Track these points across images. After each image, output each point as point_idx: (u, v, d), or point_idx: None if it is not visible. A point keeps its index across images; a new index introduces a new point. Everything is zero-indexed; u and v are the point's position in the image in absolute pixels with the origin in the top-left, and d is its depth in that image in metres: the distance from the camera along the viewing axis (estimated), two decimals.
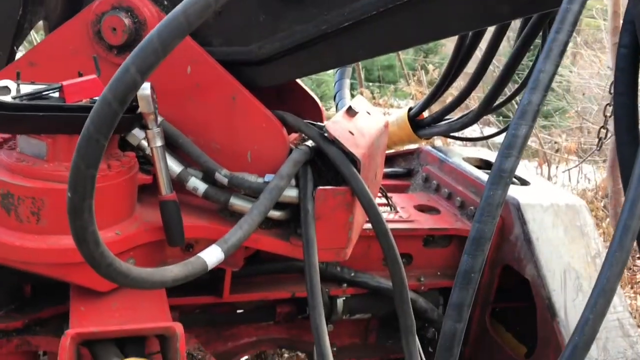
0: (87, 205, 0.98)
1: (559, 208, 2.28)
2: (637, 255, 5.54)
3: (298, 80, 2.15)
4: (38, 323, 1.71)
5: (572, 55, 13.24)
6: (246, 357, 2.46)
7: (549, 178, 7.49)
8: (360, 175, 1.63)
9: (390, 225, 2.31)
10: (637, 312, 4.39)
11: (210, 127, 1.71)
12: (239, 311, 2.27)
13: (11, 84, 1.43)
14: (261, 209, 1.51)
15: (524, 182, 2.56)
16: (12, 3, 1.77)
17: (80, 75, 1.50)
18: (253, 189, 1.62)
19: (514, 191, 2.34)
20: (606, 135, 3.23)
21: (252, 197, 1.64)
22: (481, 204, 1.10)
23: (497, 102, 2.65)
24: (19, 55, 1.86)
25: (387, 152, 3.12)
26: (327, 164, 1.69)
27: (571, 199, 2.36)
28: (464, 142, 4.61)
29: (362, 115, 1.88)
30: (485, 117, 2.93)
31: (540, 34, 2.27)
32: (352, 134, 1.71)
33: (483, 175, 2.47)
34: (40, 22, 1.97)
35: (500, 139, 2.58)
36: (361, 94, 7.39)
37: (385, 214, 2.44)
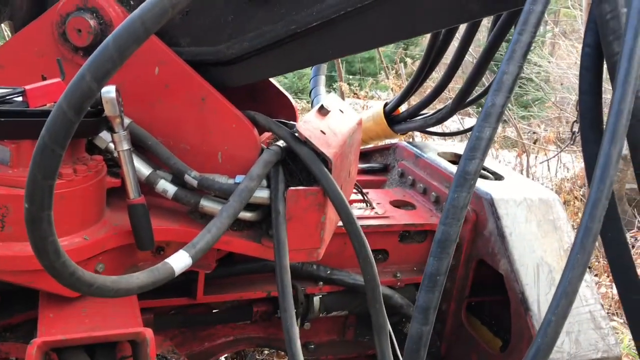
0: (45, 215, 0.96)
1: (532, 202, 2.29)
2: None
3: (271, 79, 2.14)
4: (8, 329, 1.69)
5: (551, 45, 13.34)
6: (225, 355, 2.45)
7: (528, 168, 7.56)
8: (332, 175, 1.62)
9: (366, 222, 2.34)
10: (613, 301, 4.45)
11: (180, 128, 1.69)
12: (214, 311, 2.26)
13: None
14: (230, 212, 1.50)
15: (498, 177, 2.57)
16: None
17: (44, 78, 1.47)
18: (223, 190, 1.61)
19: (488, 186, 2.36)
20: (579, 129, 3.25)
21: (223, 198, 1.63)
22: (446, 206, 1.10)
23: (472, 97, 2.67)
24: None
25: (364, 147, 3.13)
26: (299, 164, 1.68)
27: (544, 193, 2.38)
28: (442, 137, 4.63)
29: (334, 113, 1.88)
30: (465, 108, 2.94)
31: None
32: (323, 133, 1.70)
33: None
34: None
35: None
36: (340, 87, 7.38)
37: (361, 210, 2.45)
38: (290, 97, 2.18)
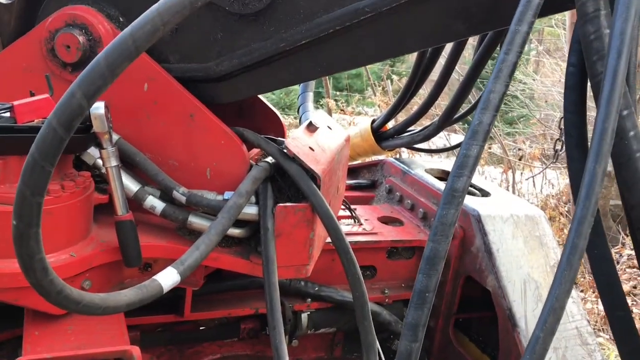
0: (33, 232, 0.96)
1: (519, 219, 2.31)
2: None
3: (260, 95, 2.14)
4: None
5: (535, 63, 13.53)
6: None
7: (514, 185, 7.63)
8: (320, 191, 1.63)
9: (354, 238, 2.34)
10: (599, 317, 4.48)
11: (169, 144, 1.69)
12: (202, 328, 2.24)
13: None
14: (219, 229, 1.50)
15: (484, 193, 2.59)
16: None
17: (32, 94, 1.47)
18: (212, 206, 1.61)
19: (475, 203, 2.37)
20: (562, 147, 3.30)
21: (212, 215, 1.63)
22: (434, 223, 1.11)
23: (459, 114, 2.69)
24: None
25: (352, 163, 3.14)
26: (288, 181, 1.68)
27: (530, 210, 2.40)
28: (429, 153, 4.66)
29: (322, 130, 1.89)
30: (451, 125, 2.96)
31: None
32: (312, 149, 1.71)
33: (444, 187, 2.50)
34: None
35: None
36: (327, 104, 7.42)
37: (349, 226, 2.45)
38: (278, 113, 2.19)
